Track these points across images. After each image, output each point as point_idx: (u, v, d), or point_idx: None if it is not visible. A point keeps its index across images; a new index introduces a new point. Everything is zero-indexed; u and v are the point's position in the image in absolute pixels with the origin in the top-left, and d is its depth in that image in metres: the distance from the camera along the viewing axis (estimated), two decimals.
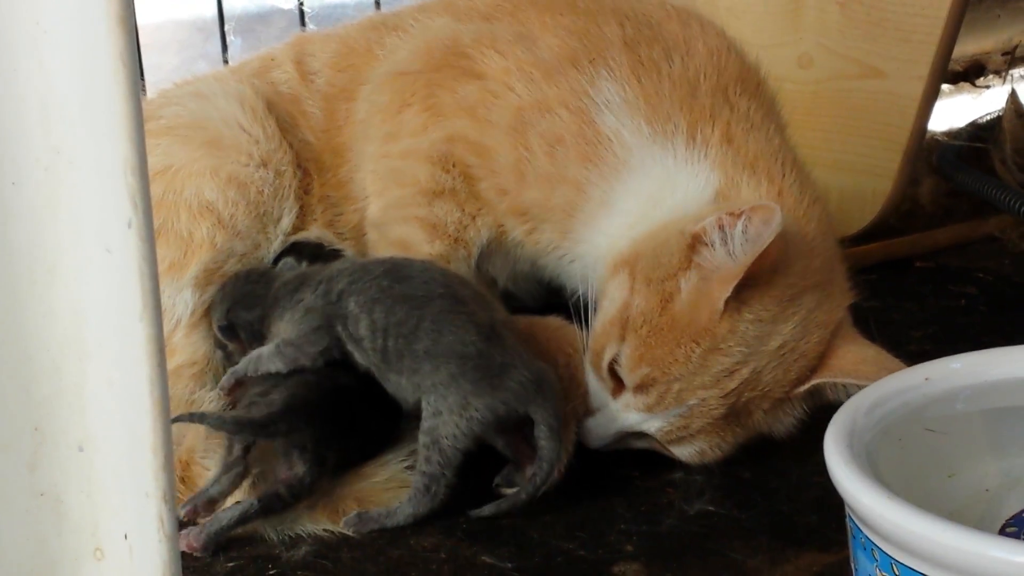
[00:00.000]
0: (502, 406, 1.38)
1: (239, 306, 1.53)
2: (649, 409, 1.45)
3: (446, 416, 1.38)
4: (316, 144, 1.65)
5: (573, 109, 1.52)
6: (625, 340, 1.43)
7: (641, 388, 1.44)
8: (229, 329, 1.54)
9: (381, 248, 1.63)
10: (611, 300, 1.47)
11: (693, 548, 1.39)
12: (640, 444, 1.50)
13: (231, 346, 1.56)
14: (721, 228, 1.37)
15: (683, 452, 1.49)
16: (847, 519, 1.07)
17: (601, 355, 1.46)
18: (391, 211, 1.61)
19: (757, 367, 1.43)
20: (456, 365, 1.39)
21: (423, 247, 1.59)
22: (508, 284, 1.68)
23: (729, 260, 1.37)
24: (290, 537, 1.41)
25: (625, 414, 1.47)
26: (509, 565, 1.36)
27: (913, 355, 1.55)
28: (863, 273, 2.12)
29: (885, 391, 1.18)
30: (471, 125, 1.56)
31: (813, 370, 1.46)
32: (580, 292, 1.52)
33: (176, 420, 1.44)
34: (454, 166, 1.57)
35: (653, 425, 1.46)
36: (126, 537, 0.93)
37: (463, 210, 1.58)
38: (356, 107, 1.66)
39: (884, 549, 1.00)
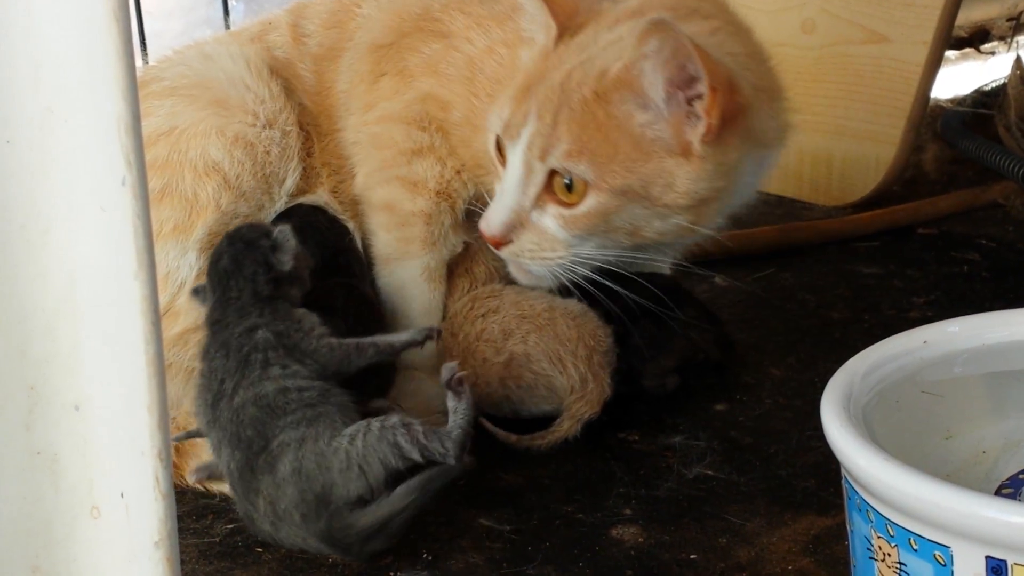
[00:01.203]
0: None
1: None
2: (512, 124, 1.47)
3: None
4: (312, 107, 1.65)
5: (511, 45, 1.56)
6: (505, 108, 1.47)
7: (511, 116, 1.46)
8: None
9: (369, 215, 1.64)
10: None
11: (691, 511, 1.39)
12: None
13: None
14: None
15: (557, 156, 1.45)
16: (843, 481, 1.07)
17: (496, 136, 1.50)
18: (374, 175, 1.62)
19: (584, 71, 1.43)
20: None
21: (406, 204, 1.60)
22: None
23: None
24: None
25: (517, 154, 1.47)
26: (507, 528, 1.37)
27: (916, 321, 1.55)
28: (866, 240, 2.13)
29: (883, 354, 1.18)
30: (436, 82, 1.59)
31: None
32: None
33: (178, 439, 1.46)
34: (430, 123, 1.59)
35: (522, 145, 1.46)
36: (122, 496, 0.94)
37: (444, 164, 1.60)
38: (342, 62, 1.66)
39: (879, 510, 1.00)
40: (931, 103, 2.33)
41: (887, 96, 2.24)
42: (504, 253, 1.47)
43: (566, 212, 1.42)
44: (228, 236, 1.45)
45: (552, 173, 1.42)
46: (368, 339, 1.42)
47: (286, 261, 1.42)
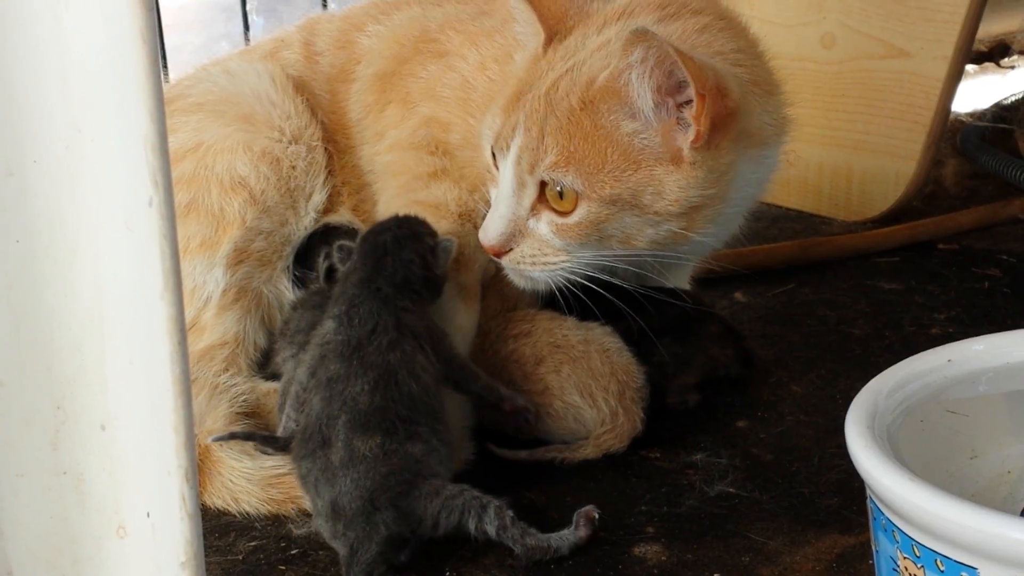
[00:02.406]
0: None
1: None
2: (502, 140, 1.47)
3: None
4: (329, 124, 1.66)
5: (501, 60, 1.57)
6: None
7: (501, 128, 1.45)
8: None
9: None
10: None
11: (713, 529, 1.38)
12: None
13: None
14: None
15: (545, 167, 1.45)
16: (868, 501, 1.07)
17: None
18: (393, 202, 1.62)
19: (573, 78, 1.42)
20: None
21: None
22: None
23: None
24: (308, 514, 1.42)
25: (509, 167, 1.47)
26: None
27: (937, 337, 1.55)
28: (886, 255, 2.13)
29: (907, 373, 1.17)
30: (435, 105, 1.59)
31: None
32: None
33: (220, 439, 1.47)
34: (437, 147, 1.59)
35: (515, 156, 1.46)
36: (148, 515, 0.94)
37: (460, 186, 1.59)
38: (352, 91, 1.67)
39: (905, 531, 0.99)
40: (951, 117, 2.33)
41: (907, 111, 2.24)
42: (505, 261, 1.47)
43: (559, 220, 1.42)
44: (398, 219, 1.50)
45: (544, 183, 1.42)
46: (483, 373, 1.48)
47: (441, 265, 1.49)
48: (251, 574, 1.34)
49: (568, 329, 1.57)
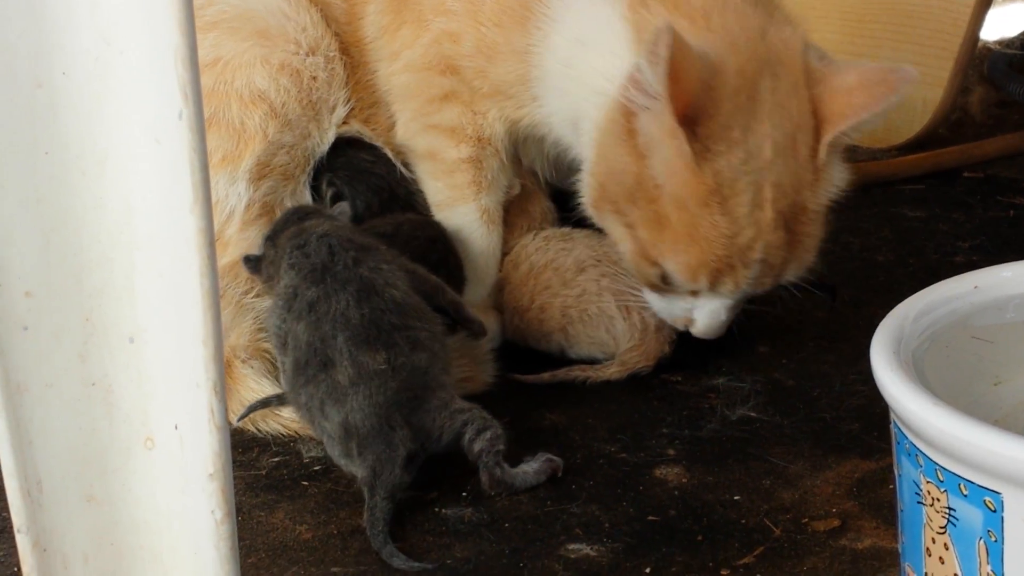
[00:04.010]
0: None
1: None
2: (734, 291, 1.43)
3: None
4: (343, 38, 1.64)
5: None
6: (659, 264, 1.42)
7: (713, 285, 1.42)
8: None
9: (416, 163, 1.65)
10: (619, 240, 1.47)
11: (734, 453, 1.39)
12: None
13: None
14: (637, 82, 1.34)
15: (790, 277, 1.47)
16: (891, 425, 1.07)
17: (655, 284, 1.46)
18: (410, 125, 1.63)
19: (774, 180, 1.38)
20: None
21: (449, 152, 1.60)
22: (547, 174, 1.69)
23: (656, 103, 1.33)
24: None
25: (719, 302, 1.45)
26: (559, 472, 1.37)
27: (961, 265, 1.55)
28: (911, 182, 2.11)
29: (933, 299, 1.17)
30: (445, 20, 1.57)
31: (816, 134, 1.41)
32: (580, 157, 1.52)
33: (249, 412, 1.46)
34: (446, 69, 1.57)
35: (748, 291, 1.45)
36: (176, 427, 0.94)
37: (472, 110, 1.59)
38: (368, 12, 1.65)
39: (929, 455, 0.99)
40: (979, 45, 2.30)
41: (935, 37, 2.21)
42: None
43: None
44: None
45: None
46: (450, 290, 1.48)
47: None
48: (275, 488, 1.35)
49: (609, 246, 1.57)
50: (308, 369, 1.34)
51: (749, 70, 1.37)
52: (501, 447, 1.31)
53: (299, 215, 1.50)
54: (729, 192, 1.36)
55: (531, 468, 1.34)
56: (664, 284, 1.45)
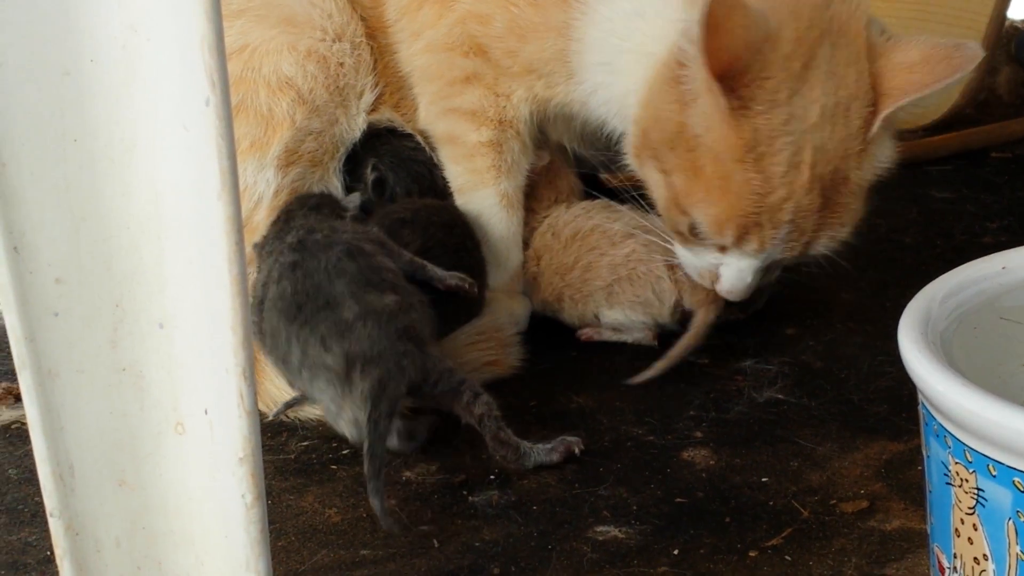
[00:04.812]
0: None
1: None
2: (759, 251, 1.43)
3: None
4: (369, 23, 1.64)
5: None
6: (690, 213, 1.42)
7: (739, 240, 1.42)
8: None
9: (438, 147, 1.65)
10: (654, 186, 1.47)
11: (762, 435, 1.39)
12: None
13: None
14: (688, 37, 1.34)
15: (820, 249, 1.47)
16: (920, 407, 1.07)
17: (684, 234, 1.46)
18: (431, 108, 1.63)
19: (815, 143, 1.38)
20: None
21: (470, 136, 1.60)
22: (576, 147, 1.69)
23: (698, 55, 1.33)
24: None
25: (746, 262, 1.45)
26: (578, 450, 1.37)
27: (988, 246, 1.54)
28: (938, 163, 2.11)
29: (962, 279, 1.16)
30: (472, 0, 1.56)
31: (872, 106, 1.41)
32: (618, 131, 1.53)
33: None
34: (470, 50, 1.57)
35: (775, 254, 1.44)
36: (206, 412, 0.95)
37: (495, 92, 1.58)
38: None
39: (958, 436, 0.99)
40: (1006, 24, 2.29)
41: (961, 16, 2.20)
42: None
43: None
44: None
45: None
46: (407, 252, 1.45)
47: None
48: (303, 472, 1.36)
49: (653, 219, 1.57)
50: (303, 312, 1.31)
51: (808, 37, 1.37)
52: (498, 414, 1.32)
53: (300, 203, 1.50)
54: (766, 150, 1.36)
55: (545, 446, 1.34)
56: (692, 235, 1.44)
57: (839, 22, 1.39)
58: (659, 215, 1.51)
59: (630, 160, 1.50)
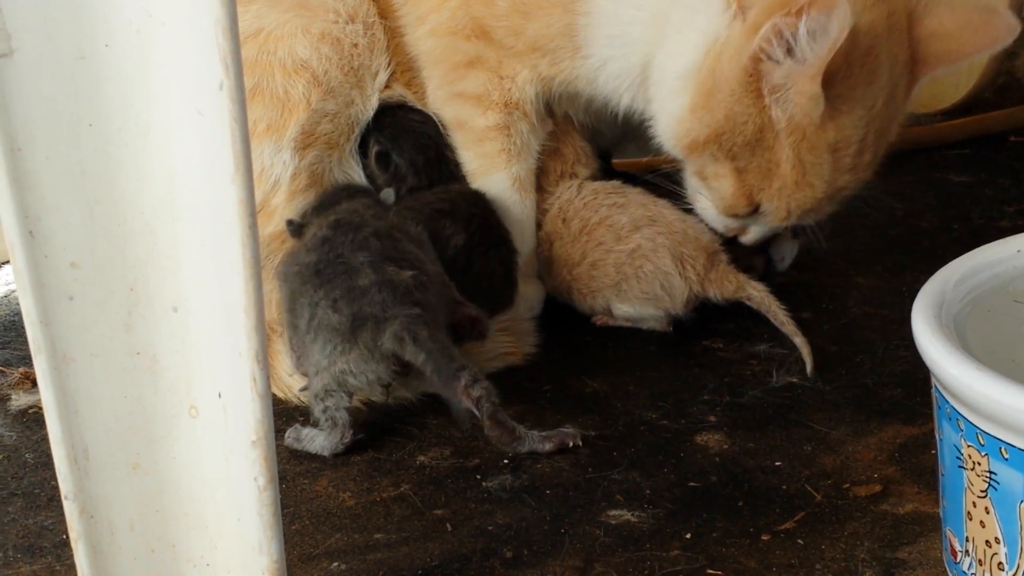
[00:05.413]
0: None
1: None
2: (812, 220, 1.51)
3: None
4: (379, 4, 1.64)
5: None
6: (758, 203, 1.48)
7: (797, 218, 1.49)
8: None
9: (449, 132, 1.64)
10: (716, 178, 1.49)
11: (776, 419, 1.39)
12: None
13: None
14: (780, 35, 1.34)
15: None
16: (933, 390, 1.07)
17: (737, 214, 1.51)
18: (438, 93, 1.63)
19: (879, 127, 1.44)
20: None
21: (477, 120, 1.60)
22: (588, 121, 1.68)
23: (800, 67, 1.35)
24: (369, 404, 1.44)
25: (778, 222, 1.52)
26: (593, 433, 1.38)
27: (1006, 230, 1.54)
28: (956, 147, 2.10)
29: (976, 263, 1.16)
30: None
31: (912, 75, 1.46)
32: (627, 105, 1.55)
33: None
34: (473, 33, 1.57)
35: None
36: (220, 396, 0.96)
37: (499, 75, 1.58)
38: None
39: (970, 419, 0.99)
40: None
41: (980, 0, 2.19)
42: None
43: None
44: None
45: None
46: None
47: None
48: (318, 456, 1.36)
49: (663, 207, 1.58)
50: (320, 277, 1.36)
51: (876, 27, 1.40)
52: (497, 399, 1.32)
53: (347, 193, 1.52)
54: (843, 144, 1.43)
55: (541, 434, 1.35)
56: (749, 215, 1.50)
57: (894, 4, 1.42)
58: (712, 202, 1.53)
59: (677, 151, 1.50)
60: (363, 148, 1.63)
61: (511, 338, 1.52)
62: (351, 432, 1.36)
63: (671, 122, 1.48)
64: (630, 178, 1.69)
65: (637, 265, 1.56)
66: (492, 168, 1.61)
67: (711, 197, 1.52)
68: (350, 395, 1.36)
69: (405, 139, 1.61)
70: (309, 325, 1.35)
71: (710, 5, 1.42)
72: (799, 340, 1.49)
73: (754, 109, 1.40)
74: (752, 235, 1.55)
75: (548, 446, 1.34)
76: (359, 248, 1.37)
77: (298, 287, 1.38)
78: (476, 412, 1.31)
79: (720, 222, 1.55)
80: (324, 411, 1.35)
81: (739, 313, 1.57)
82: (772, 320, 1.53)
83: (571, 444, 1.35)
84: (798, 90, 1.36)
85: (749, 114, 1.41)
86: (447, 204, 1.55)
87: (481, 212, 1.56)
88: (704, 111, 1.43)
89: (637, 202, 1.60)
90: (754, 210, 1.49)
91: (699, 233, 1.57)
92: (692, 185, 1.55)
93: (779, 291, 1.61)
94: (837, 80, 1.37)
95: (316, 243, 1.40)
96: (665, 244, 1.55)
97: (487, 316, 1.46)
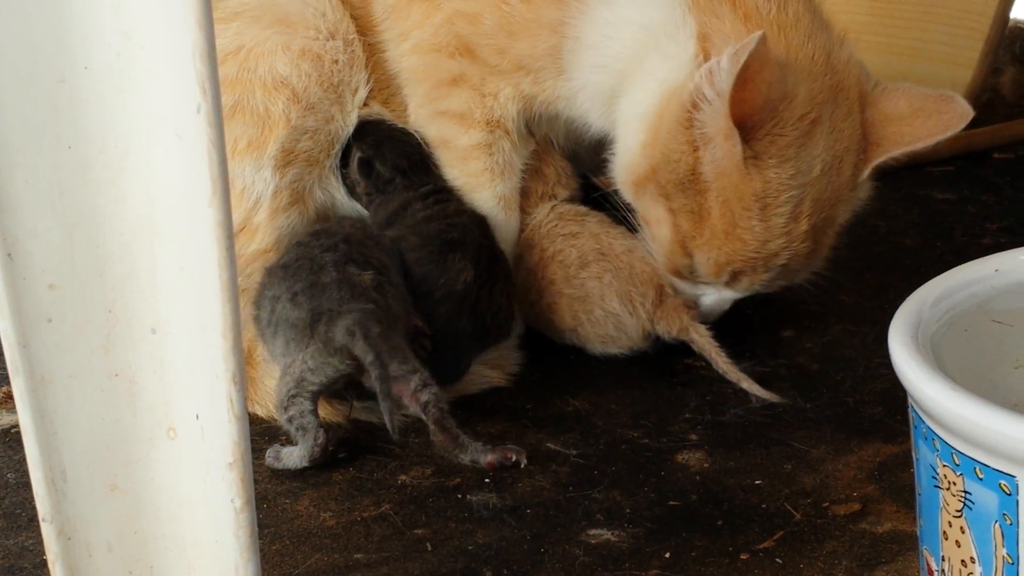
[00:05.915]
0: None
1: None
2: (748, 288, 1.51)
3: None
4: (360, 21, 1.64)
5: None
6: (693, 256, 1.48)
7: (732, 280, 1.49)
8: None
9: (433, 150, 1.64)
10: (656, 223, 1.50)
11: (757, 437, 1.40)
12: None
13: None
14: (712, 77, 1.37)
15: (798, 280, 1.55)
16: (909, 409, 1.07)
17: (680, 272, 1.52)
18: (420, 111, 1.63)
19: (815, 196, 1.44)
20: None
21: (460, 139, 1.60)
22: (568, 144, 1.68)
23: (718, 100, 1.37)
24: (354, 422, 1.44)
25: (729, 294, 1.54)
26: (574, 452, 1.38)
27: (989, 248, 1.55)
28: (940, 164, 2.11)
29: (953, 282, 1.17)
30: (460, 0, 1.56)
31: (863, 154, 1.47)
32: (602, 130, 1.56)
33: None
34: (456, 51, 1.57)
35: (758, 290, 1.52)
36: (197, 417, 0.96)
37: (482, 93, 1.58)
38: None
39: (945, 439, 1.00)
40: (1009, 24, 2.29)
41: (965, 17, 2.20)
42: None
43: None
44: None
45: None
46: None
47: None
48: (299, 476, 1.37)
49: (614, 237, 1.58)
50: (290, 268, 1.42)
51: (819, 98, 1.43)
52: (445, 406, 1.33)
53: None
54: (772, 202, 1.43)
55: (485, 446, 1.35)
56: (688, 275, 1.52)
57: (839, 76, 1.45)
58: (656, 255, 1.54)
59: (624, 188, 1.53)
60: (344, 159, 1.63)
61: (493, 356, 1.53)
62: (323, 433, 1.36)
63: (624, 156, 1.51)
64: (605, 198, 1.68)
65: (588, 310, 1.56)
66: (478, 187, 1.61)
67: (654, 249, 1.54)
68: (313, 399, 1.36)
69: (387, 146, 1.61)
70: (270, 320, 1.40)
71: (682, 53, 1.44)
72: (745, 384, 1.49)
73: (687, 147, 1.42)
74: (703, 308, 1.56)
75: (490, 458, 1.35)
76: (327, 250, 1.42)
77: (265, 280, 1.43)
78: (423, 416, 1.33)
79: (671, 281, 1.56)
80: (290, 421, 1.36)
81: (720, 331, 1.58)
82: (714, 367, 1.52)
83: (513, 459, 1.35)
84: (716, 128, 1.38)
85: (682, 152, 1.42)
86: (458, 232, 1.54)
87: (489, 243, 1.55)
88: (650, 147, 1.46)
89: (590, 232, 1.59)
90: (690, 269, 1.50)
91: (646, 266, 1.56)
92: (642, 235, 1.56)
93: (760, 308, 1.63)
94: (763, 131, 1.40)
95: (292, 246, 1.47)
96: (612, 284, 1.55)
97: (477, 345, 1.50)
